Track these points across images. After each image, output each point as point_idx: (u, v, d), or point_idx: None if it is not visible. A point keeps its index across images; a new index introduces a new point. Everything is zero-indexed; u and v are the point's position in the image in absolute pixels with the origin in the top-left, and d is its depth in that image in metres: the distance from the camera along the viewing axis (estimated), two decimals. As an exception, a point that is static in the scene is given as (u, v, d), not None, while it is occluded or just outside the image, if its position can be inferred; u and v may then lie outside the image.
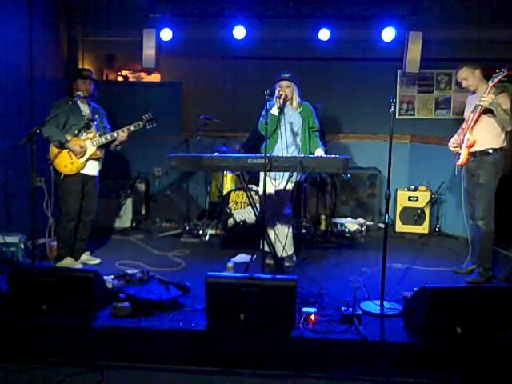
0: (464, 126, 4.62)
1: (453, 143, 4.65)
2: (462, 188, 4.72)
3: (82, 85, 4.73)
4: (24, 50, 5.56)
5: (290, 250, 4.84)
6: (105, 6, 6.81)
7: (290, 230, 4.81)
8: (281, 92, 4.59)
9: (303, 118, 4.77)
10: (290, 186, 4.73)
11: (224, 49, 6.76)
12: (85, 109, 4.81)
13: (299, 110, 4.77)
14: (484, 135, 4.42)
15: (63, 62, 6.71)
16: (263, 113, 4.70)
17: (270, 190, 4.62)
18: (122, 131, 4.80)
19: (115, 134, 4.79)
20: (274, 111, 4.63)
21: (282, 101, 4.59)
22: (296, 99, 4.75)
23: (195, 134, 6.21)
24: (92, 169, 4.83)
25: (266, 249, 4.64)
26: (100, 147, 4.81)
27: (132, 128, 4.83)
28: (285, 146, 4.63)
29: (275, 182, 4.60)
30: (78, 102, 4.73)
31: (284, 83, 4.67)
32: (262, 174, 4.72)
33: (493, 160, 4.42)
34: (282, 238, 4.71)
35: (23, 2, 5.56)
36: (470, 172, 4.59)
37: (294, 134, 4.75)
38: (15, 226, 5.15)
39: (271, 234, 4.65)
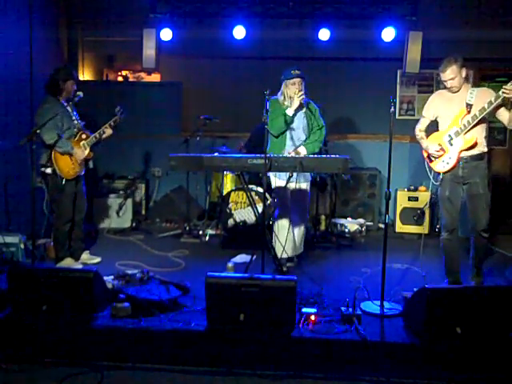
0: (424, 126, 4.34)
1: (435, 147, 4.16)
2: (436, 195, 4.36)
3: (71, 86, 4.72)
4: (24, 50, 5.55)
5: (300, 249, 4.90)
6: (105, 6, 6.82)
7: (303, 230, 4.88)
8: (302, 94, 4.45)
9: (307, 117, 4.69)
10: (305, 186, 4.73)
11: (224, 49, 6.76)
12: (70, 109, 4.80)
13: (303, 109, 4.66)
14: (478, 137, 4.07)
15: (63, 62, 6.71)
16: (269, 109, 4.65)
17: (284, 188, 4.55)
18: (106, 128, 4.85)
19: (102, 132, 4.83)
20: (290, 112, 4.49)
21: (301, 101, 4.46)
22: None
23: (195, 134, 6.21)
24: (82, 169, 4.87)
25: (284, 255, 4.64)
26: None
27: (112, 123, 4.88)
28: (296, 145, 4.62)
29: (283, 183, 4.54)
30: (64, 103, 4.72)
31: (298, 80, 4.53)
32: (271, 175, 4.72)
33: (485, 165, 4.15)
34: (295, 237, 4.75)
35: (23, 2, 5.56)
36: (457, 179, 4.17)
37: (301, 135, 4.68)
38: (15, 226, 5.15)
39: (284, 232, 4.64)
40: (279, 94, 4.66)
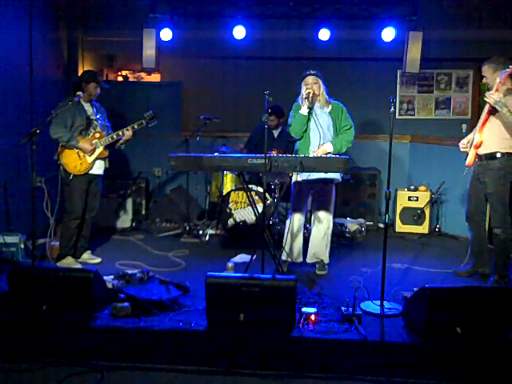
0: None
1: (462, 143, 4.47)
2: (466, 187, 4.57)
3: (94, 89, 4.77)
4: (24, 50, 5.55)
5: (326, 257, 4.74)
6: (105, 6, 6.81)
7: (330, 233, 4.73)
8: (308, 90, 4.42)
9: (332, 117, 4.59)
10: (331, 176, 4.57)
11: (224, 49, 6.76)
12: (89, 109, 4.85)
13: (328, 109, 4.59)
14: (492, 137, 4.24)
15: (63, 62, 6.71)
16: (291, 113, 4.63)
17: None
18: (127, 130, 4.83)
19: (120, 133, 4.82)
20: (304, 111, 4.45)
21: (310, 99, 4.41)
22: (324, 96, 4.54)
23: (195, 134, 6.20)
24: (98, 168, 4.88)
25: (284, 257, 4.65)
26: (106, 146, 4.85)
27: (136, 126, 4.86)
28: (321, 143, 4.52)
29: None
30: (82, 103, 4.77)
31: (310, 79, 4.49)
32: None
33: (499, 165, 4.23)
34: (318, 241, 4.67)
35: (23, 3, 5.56)
36: (475, 175, 4.43)
37: (325, 135, 4.55)
38: (15, 226, 5.15)
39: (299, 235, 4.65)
40: (299, 97, 4.60)
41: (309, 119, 4.51)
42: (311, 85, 4.49)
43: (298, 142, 4.66)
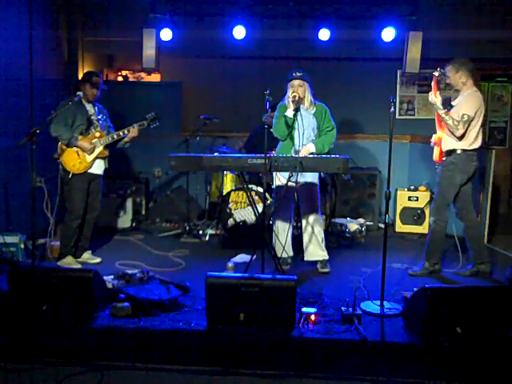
0: None
1: (432, 139, 4.63)
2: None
3: (89, 90, 4.78)
4: (24, 50, 5.55)
5: (324, 255, 4.77)
6: (104, 5, 6.81)
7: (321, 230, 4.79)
8: (294, 94, 4.45)
9: (317, 119, 4.63)
10: (310, 179, 4.64)
11: (224, 49, 6.75)
12: (90, 109, 4.86)
13: (312, 111, 4.62)
14: (451, 136, 4.41)
15: (63, 63, 6.71)
16: (275, 113, 4.65)
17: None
18: (133, 127, 4.82)
19: (121, 133, 4.83)
20: (289, 113, 4.46)
21: (296, 102, 4.43)
22: (309, 99, 4.59)
23: (195, 134, 6.21)
24: (98, 167, 4.88)
25: (284, 255, 4.66)
26: (106, 146, 4.86)
27: (136, 126, 4.85)
28: (305, 144, 4.56)
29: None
30: (84, 103, 4.78)
31: (296, 82, 4.53)
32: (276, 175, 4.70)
33: (452, 160, 4.42)
34: (315, 243, 4.71)
35: (23, 3, 5.56)
36: None
37: (310, 136, 4.61)
38: (15, 226, 5.15)
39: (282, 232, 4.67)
40: (285, 97, 4.62)
41: (294, 120, 4.53)
42: (297, 87, 4.53)
43: (282, 143, 4.69)
